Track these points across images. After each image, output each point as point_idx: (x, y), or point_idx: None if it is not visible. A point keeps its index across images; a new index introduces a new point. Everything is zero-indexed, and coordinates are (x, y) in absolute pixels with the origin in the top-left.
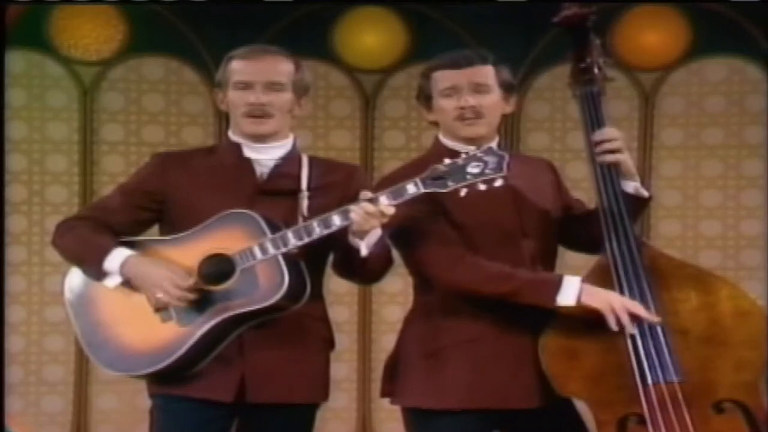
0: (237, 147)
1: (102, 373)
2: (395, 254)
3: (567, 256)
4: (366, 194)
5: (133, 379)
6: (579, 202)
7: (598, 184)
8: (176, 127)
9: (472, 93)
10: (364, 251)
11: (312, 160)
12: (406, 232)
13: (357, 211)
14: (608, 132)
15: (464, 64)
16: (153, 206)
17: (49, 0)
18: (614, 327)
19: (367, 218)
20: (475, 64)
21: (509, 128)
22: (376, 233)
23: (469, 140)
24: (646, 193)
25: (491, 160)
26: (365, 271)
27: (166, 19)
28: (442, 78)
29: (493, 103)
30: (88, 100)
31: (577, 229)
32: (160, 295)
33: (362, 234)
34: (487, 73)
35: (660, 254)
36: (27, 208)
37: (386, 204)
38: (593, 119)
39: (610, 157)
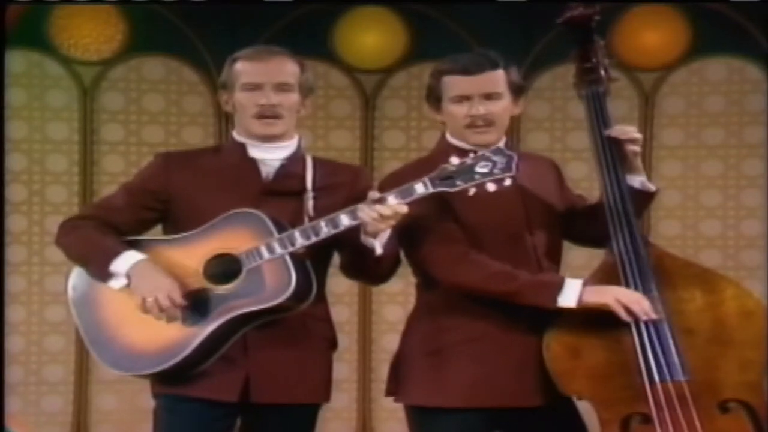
0: (242, 147)
1: (102, 373)
2: None
3: (569, 256)
4: (374, 194)
5: (134, 379)
6: (581, 198)
7: (605, 184)
8: (176, 127)
9: (483, 101)
10: (379, 250)
11: (316, 161)
12: (410, 230)
13: (370, 214)
14: (623, 129)
15: (475, 70)
16: (157, 206)
17: (49, 0)
18: (626, 317)
19: (383, 219)
20: (487, 70)
21: (509, 128)
22: (388, 231)
23: (478, 146)
24: (652, 187)
25: (500, 160)
26: (379, 270)
27: (166, 19)
28: (453, 84)
29: (504, 108)
30: (88, 99)
31: (581, 224)
32: (149, 299)
33: (376, 234)
34: (498, 79)
35: (665, 254)
36: (27, 208)
37: (396, 203)
38: (600, 119)
39: (635, 147)
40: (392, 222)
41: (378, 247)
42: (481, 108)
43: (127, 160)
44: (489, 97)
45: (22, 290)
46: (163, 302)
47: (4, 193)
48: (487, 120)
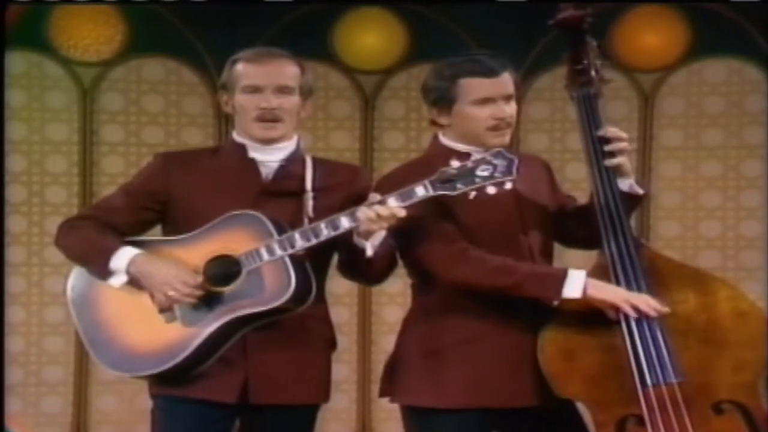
0: (242, 148)
1: (102, 374)
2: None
3: (565, 256)
4: (375, 196)
5: (133, 380)
6: (571, 199)
7: (597, 186)
8: (176, 128)
9: (507, 102)
10: (369, 252)
11: (316, 161)
12: (406, 231)
13: (368, 213)
14: (615, 132)
15: (496, 73)
16: (156, 206)
17: (49, 0)
18: (633, 314)
19: (378, 220)
20: (504, 72)
21: None
22: (380, 233)
23: (495, 148)
24: (640, 191)
25: (500, 163)
26: (371, 272)
27: (166, 20)
28: (476, 86)
29: (515, 110)
30: (88, 100)
31: (571, 225)
32: (171, 293)
33: (368, 234)
34: (511, 81)
35: (658, 255)
36: (27, 209)
37: (396, 206)
38: (591, 121)
39: (615, 160)
40: (386, 224)
41: (369, 248)
42: (507, 109)
43: (127, 161)
44: (509, 98)
45: (21, 291)
46: (183, 289)
47: (3, 194)
48: (508, 123)
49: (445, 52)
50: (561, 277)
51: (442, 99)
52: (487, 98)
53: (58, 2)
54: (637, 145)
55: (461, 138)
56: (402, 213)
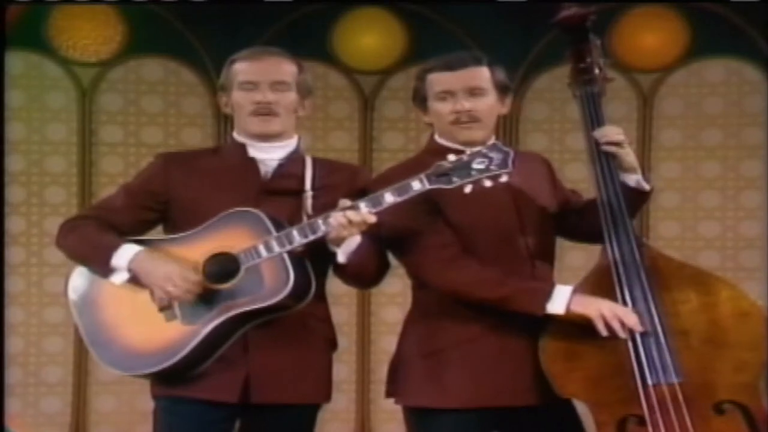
0: (242, 147)
1: (101, 374)
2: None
3: (567, 258)
4: (345, 202)
5: (132, 381)
6: (575, 194)
7: (599, 184)
8: (175, 129)
9: (467, 96)
10: (341, 258)
11: (316, 161)
12: (400, 234)
13: (339, 219)
14: (609, 129)
15: (458, 66)
16: (157, 206)
17: (49, 0)
18: (604, 332)
19: (349, 226)
20: (469, 65)
21: (508, 129)
22: (354, 241)
23: (466, 144)
24: (647, 186)
25: (496, 156)
26: (346, 278)
27: (166, 20)
28: (436, 81)
29: (489, 106)
30: (87, 101)
31: (574, 219)
32: (171, 288)
33: (338, 241)
34: (481, 75)
35: (660, 255)
36: (26, 209)
37: (366, 212)
38: (593, 119)
39: (612, 148)
40: (356, 231)
41: (340, 255)
42: (466, 103)
43: (126, 161)
44: (473, 92)
45: (21, 291)
46: (183, 285)
47: (3, 194)
48: (471, 116)
49: (444, 52)
50: (546, 293)
51: (416, 97)
52: (446, 92)
53: (58, 2)
54: (637, 145)
55: (444, 136)
56: (372, 219)
